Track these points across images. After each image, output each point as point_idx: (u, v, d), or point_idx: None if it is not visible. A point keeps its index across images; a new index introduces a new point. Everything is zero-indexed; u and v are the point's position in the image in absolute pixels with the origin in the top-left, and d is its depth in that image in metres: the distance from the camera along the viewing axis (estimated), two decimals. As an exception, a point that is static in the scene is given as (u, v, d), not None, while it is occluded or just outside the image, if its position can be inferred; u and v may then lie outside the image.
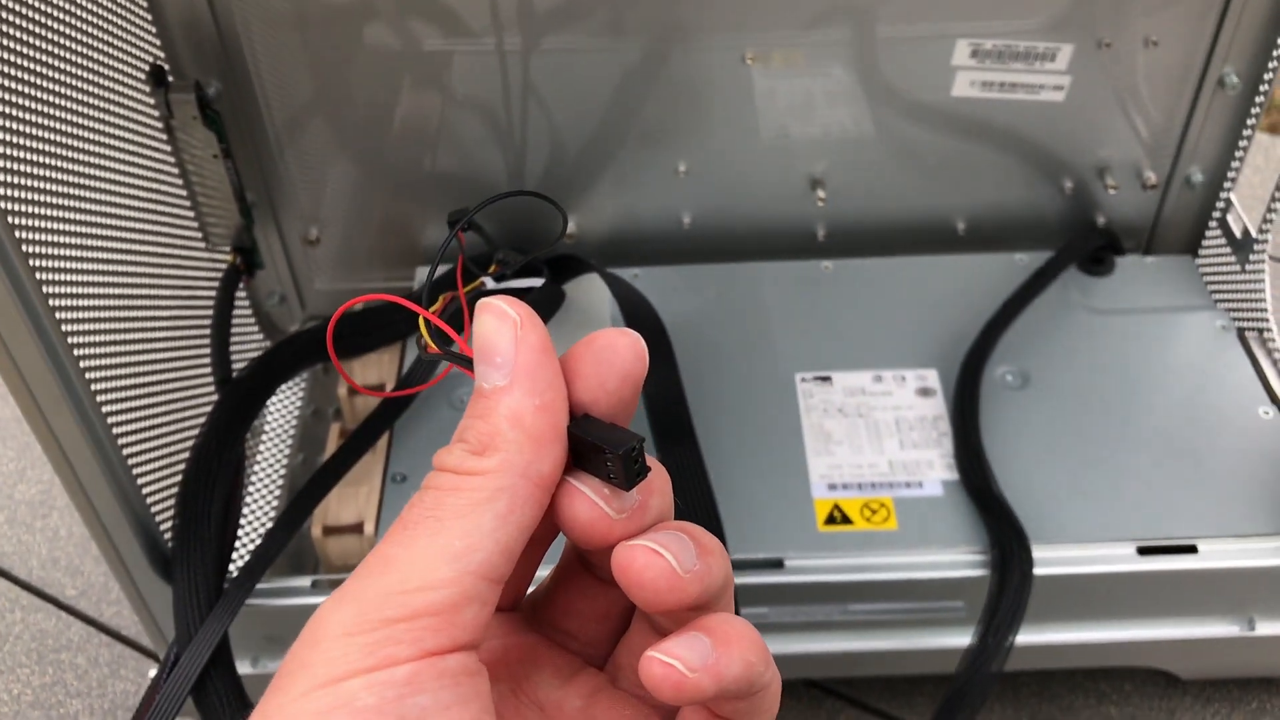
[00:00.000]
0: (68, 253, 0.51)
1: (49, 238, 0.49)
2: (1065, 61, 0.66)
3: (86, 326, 0.51)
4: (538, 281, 0.66)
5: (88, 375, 0.50)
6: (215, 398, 0.62)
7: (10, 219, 0.45)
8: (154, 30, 0.62)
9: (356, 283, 0.75)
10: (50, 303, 0.47)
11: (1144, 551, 0.57)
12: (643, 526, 0.22)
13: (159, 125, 0.62)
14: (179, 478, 0.57)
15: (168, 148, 0.63)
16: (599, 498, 0.22)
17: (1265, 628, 0.59)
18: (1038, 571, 0.55)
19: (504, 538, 0.21)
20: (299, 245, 0.72)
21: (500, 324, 0.22)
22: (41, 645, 0.69)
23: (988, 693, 0.54)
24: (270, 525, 0.57)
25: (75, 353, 0.49)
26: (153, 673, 0.63)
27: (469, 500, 0.21)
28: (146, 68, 0.61)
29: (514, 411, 0.21)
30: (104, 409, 0.51)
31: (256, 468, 0.68)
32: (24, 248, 0.46)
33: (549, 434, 0.22)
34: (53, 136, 0.51)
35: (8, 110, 0.47)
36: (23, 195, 0.47)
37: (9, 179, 0.46)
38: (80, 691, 0.67)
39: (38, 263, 0.47)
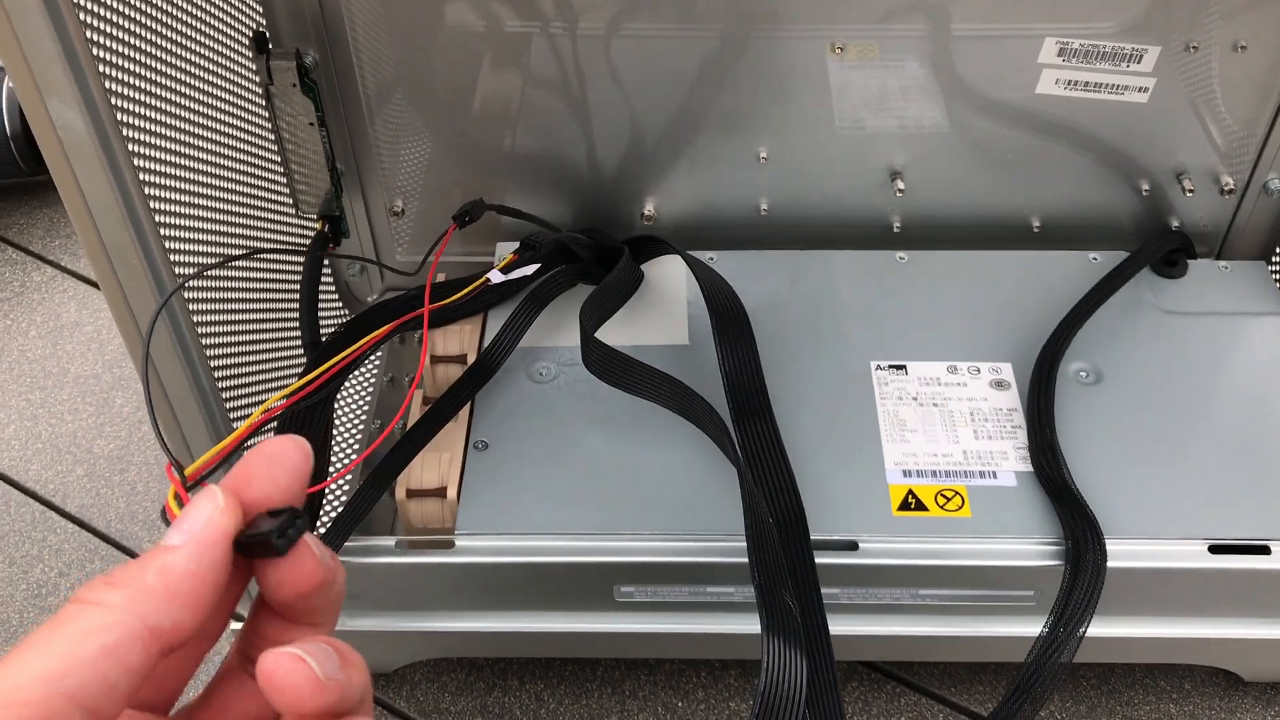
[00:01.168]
0: (183, 210, 0.52)
1: (169, 194, 0.50)
2: (1151, 63, 0.66)
3: (201, 288, 0.53)
4: (530, 270, 0.67)
5: (199, 330, 0.51)
6: (303, 361, 0.64)
7: (140, 174, 0.46)
8: (258, -2, 0.63)
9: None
10: (172, 261, 0.48)
11: (1216, 550, 0.57)
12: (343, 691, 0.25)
13: (259, 91, 0.64)
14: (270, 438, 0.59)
15: (265, 114, 0.64)
16: (313, 661, 0.24)
17: (1331, 631, 0.60)
18: (1110, 565, 0.56)
19: (105, 670, 0.22)
20: (383, 216, 0.74)
21: (204, 503, 0.25)
22: (120, 596, 0.71)
23: (1057, 682, 0.55)
24: (360, 486, 0.58)
25: (190, 309, 0.50)
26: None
27: (81, 628, 0.23)
28: (250, 34, 0.62)
29: (166, 566, 0.24)
30: (213, 365, 0.52)
31: (335, 433, 0.69)
32: (150, 204, 0.47)
33: (185, 599, 0.24)
34: (171, 97, 0.52)
35: (140, 71, 0.48)
36: (146, 149, 0.49)
37: (139, 136, 0.48)
38: (157, 642, 0.69)
39: (161, 219, 0.48)
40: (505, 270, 0.67)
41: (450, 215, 0.74)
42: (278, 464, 0.26)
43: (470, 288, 0.66)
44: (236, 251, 0.59)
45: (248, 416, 0.58)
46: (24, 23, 0.38)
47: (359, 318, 0.64)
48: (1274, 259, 0.73)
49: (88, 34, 0.43)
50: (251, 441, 0.51)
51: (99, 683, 0.22)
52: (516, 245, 0.69)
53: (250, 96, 0.63)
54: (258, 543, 0.24)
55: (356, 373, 0.74)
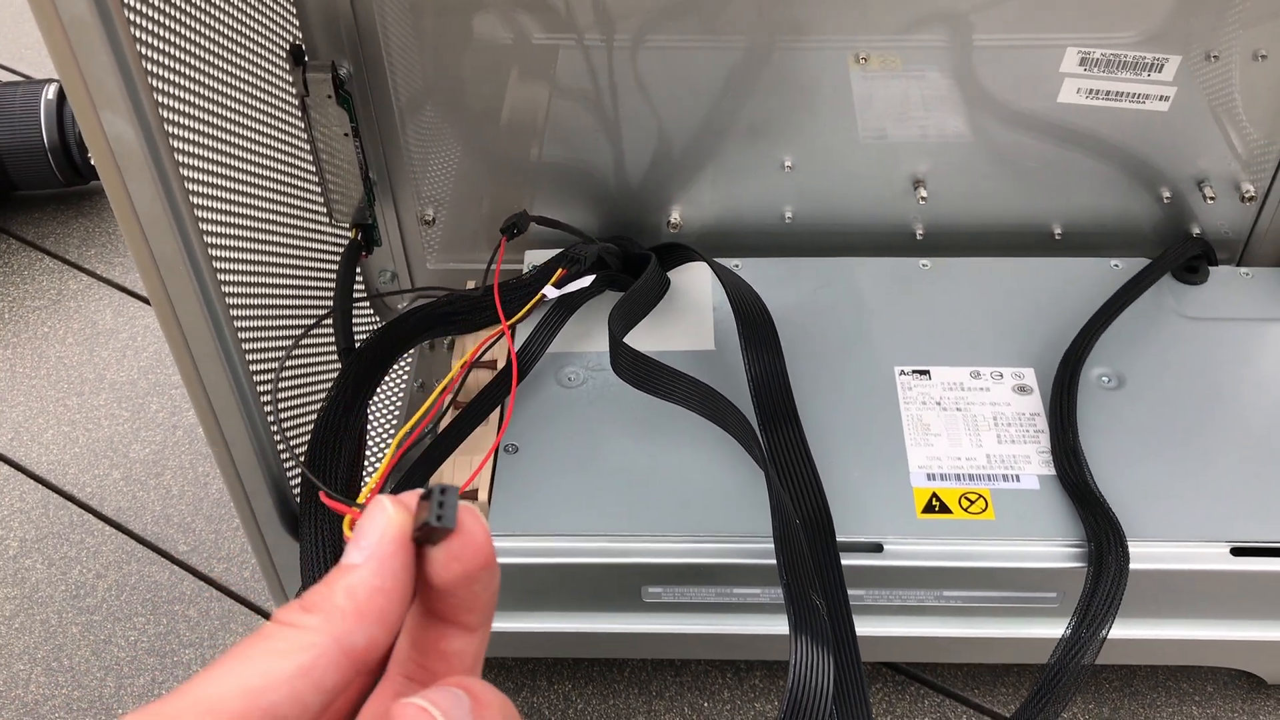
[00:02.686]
0: (224, 218, 0.53)
1: (212, 203, 0.52)
2: (1172, 72, 0.67)
3: (241, 293, 0.54)
4: (587, 281, 0.68)
5: (242, 340, 0.53)
6: (338, 367, 0.65)
7: (186, 183, 0.48)
8: (294, 11, 0.65)
9: (464, 263, 0.78)
10: (215, 269, 0.50)
11: (1238, 552, 0.58)
12: None
13: (295, 103, 0.65)
14: (306, 443, 0.60)
15: (301, 125, 0.66)
16: (438, 712, 0.24)
17: (1353, 634, 0.60)
18: (1132, 567, 0.57)
19: (300, 689, 0.23)
20: (414, 225, 0.75)
21: (376, 515, 0.25)
22: (156, 596, 0.73)
23: (1079, 683, 0.56)
24: (392, 489, 0.60)
25: (232, 315, 0.52)
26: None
27: (279, 647, 0.23)
28: (287, 47, 0.64)
29: (353, 585, 0.24)
30: (252, 369, 0.54)
31: (377, 436, 0.71)
32: (196, 212, 0.48)
33: (375, 615, 0.24)
34: (214, 109, 0.54)
35: (185, 84, 0.50)
36: (196, 164, 0.50)
37: (185, 147, 0.49)
38: (192, 642, 0.70)
39: (206, 228, 0.50)
40: (559, 285, 0.68)
41: (479, 223, 0.76)
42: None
43: (530, 305, 0.67)
44: (273, 256, 0.61)
45: (284, 422, 0.60)
46: (80, 37, 0.40)
47: (391, 324, 0.66)
48: (1295, 266, 0.74)
49: (139, 49, 0.44)
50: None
51: (293, 701, 0.23)
52: (551, 255, 0.70)
53: (286, 108, 0.65)
54: (425, 529, 0.24)
55: (388, 379, 0.75)
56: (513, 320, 0.66)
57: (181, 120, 0.49)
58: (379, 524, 0.25)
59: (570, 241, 0.72)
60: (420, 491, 0.25)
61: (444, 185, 0.74)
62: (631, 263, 0.72)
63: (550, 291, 0.68)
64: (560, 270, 0.68)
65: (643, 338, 0.68)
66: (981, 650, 0.62)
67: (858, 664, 0.53)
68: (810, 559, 0.54)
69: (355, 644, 0.24)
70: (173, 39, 0.49)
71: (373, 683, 0.27)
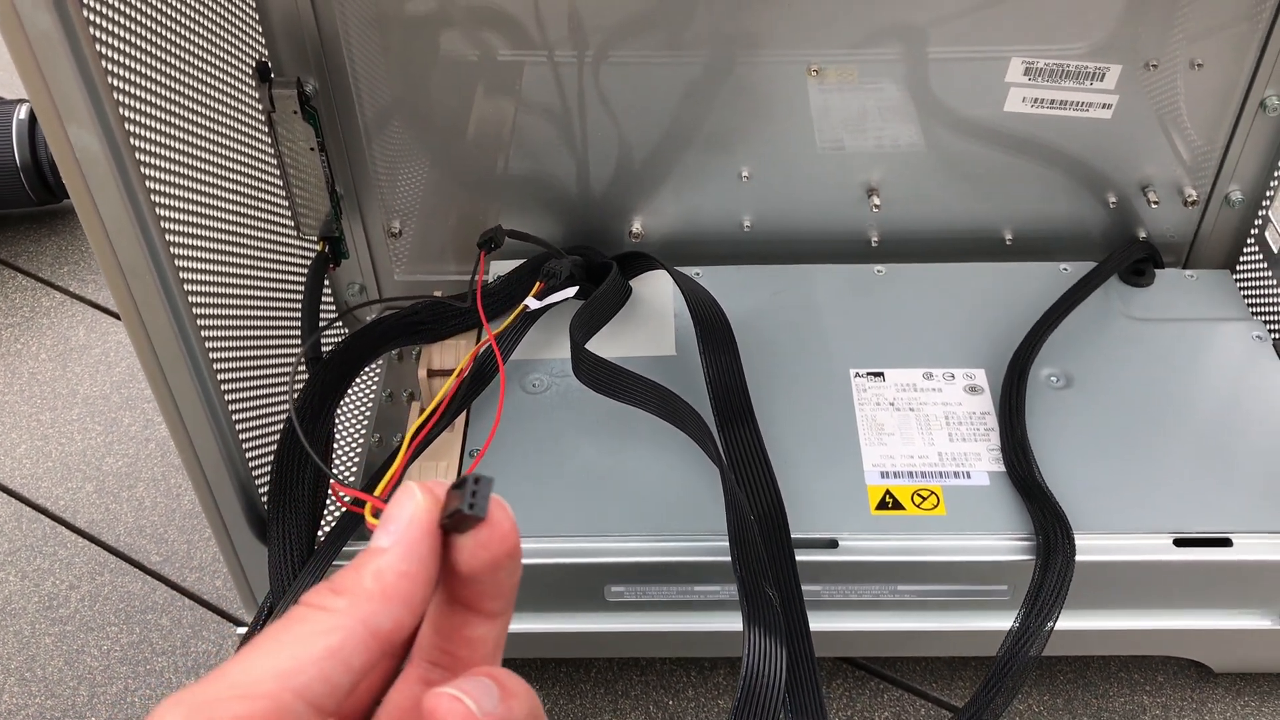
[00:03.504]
0: (192, 230, 0.55)
1: (180, 218, 0.53)
2: (1113, 81, 0.69)
3: (208, 303, 0.55)
4: (570, 292, 0.70)
5: (209, 347, 0.54)
6: (305, 376, 0.67)
7: (153, 195, 0.49)
8: (260, 29, 0.66)
9: (431, 274, 0.79)
10: (181, 279, 0.51)
11: (1180, 543, 0.60)
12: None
13: (261, 119, 0.67)
14: (274, 449, 0.61)
15: (267, 140, 0.67)
16: (470, 700, 0.25)
17: (1295, 621, 0.62)
18: (1079, 558, 0.58)
19: (329, 670, 0.23)
20: (381, 237, 0.77)
21: (405, 501, 0.25)
22: (129, 606, 0.74)
23: (1027, 674, 0.58)
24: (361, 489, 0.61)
25: (199, 324, 0.53)
26: (241, 631, 0.67)
27: (308, 629, 0.24)
28: (253, 64, 0.65)
29: (381, 569, 0.25)
30: (220, 379, 0.55)
31: (336, 447, 0.72)
32: (162, 224, 0.50)
33: (402, 598, 0.25)
34: (180, 124, 0.55)
35: (151, 99, 0.51)
36: (162, 178, 0.51)
37: (151, 160, 0.51)
38: (165, 650, 0.71)
39: (172, 239, 0.51)
40: (539, 297, 0.69)
41: (446, 235, 0.78)
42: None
43: (512, 316, 0.68)
44: (240, 267, 0.62)
45: (252, 430, 0.61)
46: (46, 52, 0.41)
47: (358, 334, 0.67)
48: (1238, 268, 0.76)
49: (104, 64, 0.46)
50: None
51: (323, 681, 0.23)
52: (514, 265, 0.72)
53: (254, 122, 0.66)
54: (455, 517, 0.25)
55: (357, 388, 0.76)
56: (498, 331, 0.68)
57: (148, 134, 0.51)
58: (407, 510, 0.25)
59: (533, 252, 0.73)
60: (444, 482, 0.26)
61: (410, 198, 0.76)
62: (595, 272, 0.74)
63: (532, 303, 0.69)
64: (539, 284, 0.70)
65: (606, 344, 0.70)
66: (937, 644, 0.64)
67: (811, 655, 0.54)
68: (764, 552, 0.56)
69: (382, 626, 0.24)
70: (138, 55, 0.50)
71: (397, 666, 0.28)
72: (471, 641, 0.27)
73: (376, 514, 0.27)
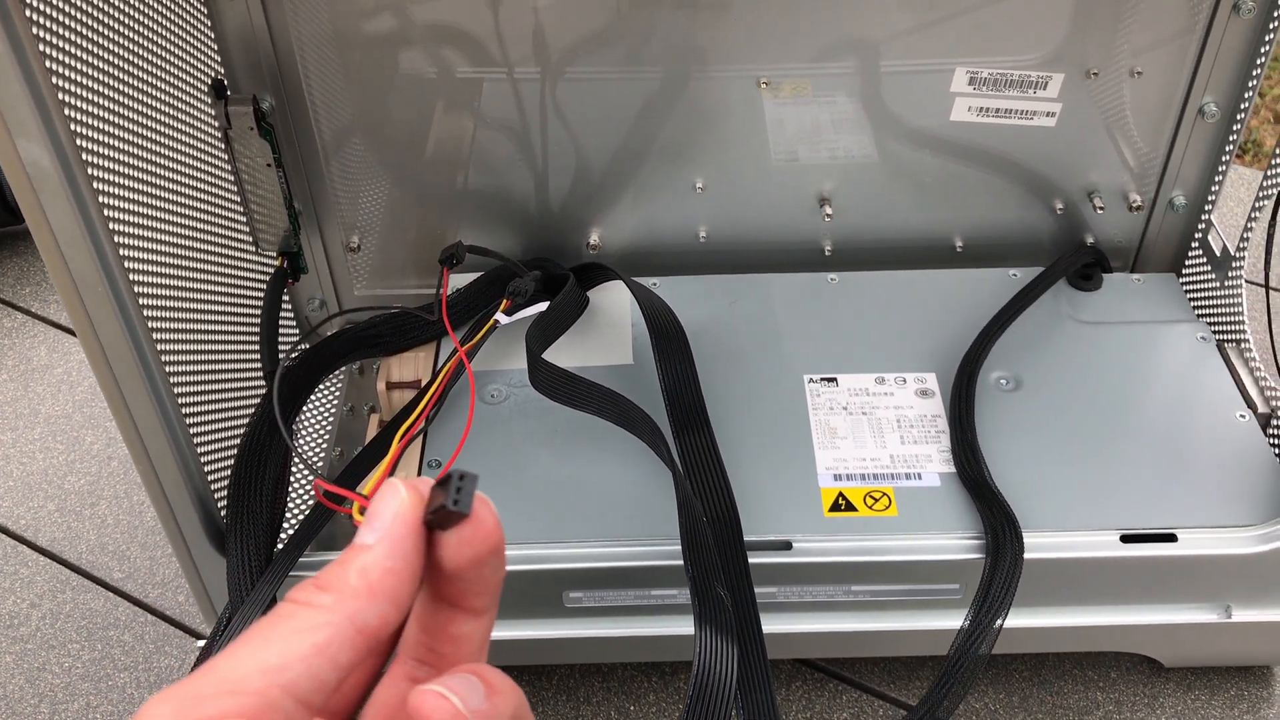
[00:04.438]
0: (147, 243, 0.55)
1: (133, 231, 0.54)
2: (1056, 89, 0.71)
3: (162, 314, 0.56)
4: (543, 306, 0.71)
5: (164, 359, 0.54)
6: (263, 389, 0.67)
7: (105, 210, 0.50)
8: (215, 47, 0.67)
9: (391, 289, 0.80)
10: (135, 290, 0.52)
11: (1127, 539, 0.61)
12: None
13: (218, 135, 0.67)
14: (231, 462, 0.62)
15: (225, 156, 0.68)
16: (455, 697, 0.25)
17: (1241, 615, 0.63)
18: (1028, 556, 0.59)
19: (316, 667, 0.24)
20: (340, 252, 0.77)
21: (389, 498, 0.26)
22: (91, 623, 0.74)
23: (979, 671, 0.58)
24: (315, 503, 0.61)
25: (154, 337, 0.54)
26: (201, 643, 0.67)
27: (295, 626, 0.24)
28: (209, 82, 0.66)
29: (366, 566, 0.25)
30: (175, 390, 0.56)
31: (298, 460, 0.72)
32: (115, 237, 0.50)
33: (387, 595, 0.25)
34: (134, 139, 0.56)
35: (103, 115, 0.52)
36: (113, 189, 0.52)
37: (103, 174, 0.51)
38: (127, 666, 0.71)
39: (125, 253, 0.52)
40: (509, 313, 0.70)
41: (405, 250, 0.78)
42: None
43: (483, 331, 0.69)
44: (198, 282, 0.63)
45: (211, 442, 0.61)
46: (-7, 69, 0.42)
47: (316, 347, 0.68)
48: (1184, 270, 0.78)
49: (54, 80, 0.46)
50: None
51: (310, 678, 0.24)
52: (471, 279, 0.73)
53: (210, 139, 0.67)
54: (440, 513, 0.25)
55: (319, 403, 0.77)
56: (467, 347, 0.68)
57: (100, 149, 0.51)
58: (391, 506, 0.25)
59: (492, 265, 0.74)
60: (428, 479, 0.26)
61: (369, 213, 0.76)
62: (553, 283, 0.75)
63: (502, 319, 0.70)
64: (506, 302, 0.70)
65: (566, 353, 0.70)
66: (892, 644, 0.65)
67: (763, 655, 0.55)
68: (716, 554, 0.56)
69: (368, 622, 0.24)
70: (89, 70, 0.51)
71: (383, 663, 0.28)
72: (457, 639, 0.27)
73: (364, 512, 0.27)
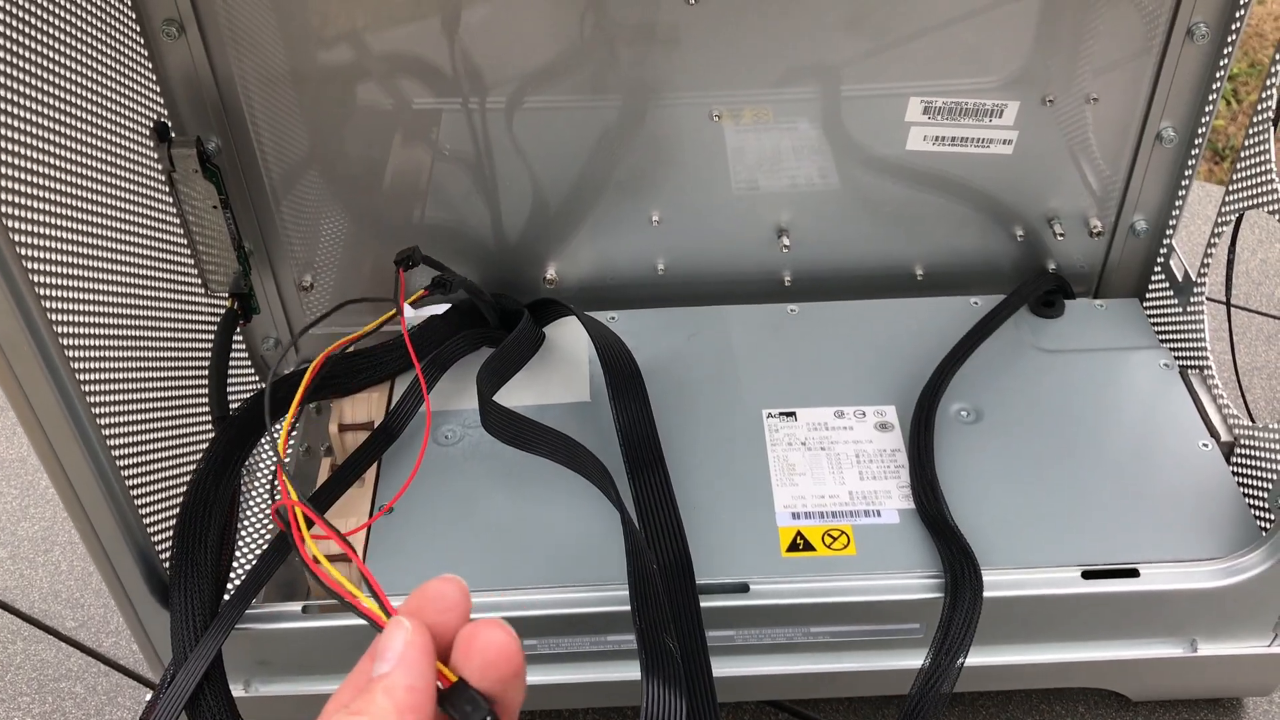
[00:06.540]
0: (77, 294, 0.54)
1: (60, 280, 0.53)
2: (1012, 117, 0.70)
3: (94, 365, 0.55)
4: (442, 308, 0.70)
5: (95, 411, 0.53)
6: (212, 435, 0.66)
7: (25, 262, 0.49)
8: (158, 89, 0.66)
9: (348, 327, 0.78)
10: (61, 342, 0.51)
11: (1088, 575, 0.60)
12: None
13: (162, 178, 0.66)
14: (176, 510, 0.61)
15: (169, 199, 0.67)
16: None
17: (1207, 649, 0.62)
18: (988, 594, 0.58)
19: None
20: (293, 291, 0.76)
21: (396, 632, 0.30)
22: (42, 675, 0.72)
23: (941, 710, 0.57)
24: (264, 551, 0.60)
25: (84, 389, 0.52)
26: (149, 696, 0.66)
27: None
28: (151, 124, 0.65)
29: (389, 687, 0.29)
30: (110, 443, 0.54)
31: (251, 503, 0.71)
32: (38, 290, 0.49)
33: (412, 709, 0.29)
34: (66, 188, 0.55)
35: (30, 156, 0.51)
36: (37, 239, 0.51)
37: (24, 225, 0.50)
38: (79, 718, 0.70)
39: (50, 304, 0.51)
40: (416, 305, 0.69)
41: (360, 287, 0.77)
42: (439, 603, 0.32)
43: (380, 319, 0.68)
44: (143, 330, 0.61)
45: (153, 494, 0.60)
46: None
47: (274, 386, 0.66)
48: (1148, 295, 0.77)
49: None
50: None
51: None
52: (430, 314, 0.72)
53: (154, 181, 0.66)
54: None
55: (271, 445, 0.76)
56: (424, 361, 0.67)
57: (22, 199, 0.50)
58: (399, 638, 0.30)
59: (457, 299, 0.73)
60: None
61: (322, 251, 0.75)
62: (508, 319, 0.74)
63: (408, 311, 0.69)
64: (421, 291, 0.69)
65: (522, 391, 0.69)
66: (854, 684, 0.64)
67: (713, 706, 0.54)
68: (665, 602, 0.55)
69: None
70: (14, 110, 0.50)
71: None
72: None
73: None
